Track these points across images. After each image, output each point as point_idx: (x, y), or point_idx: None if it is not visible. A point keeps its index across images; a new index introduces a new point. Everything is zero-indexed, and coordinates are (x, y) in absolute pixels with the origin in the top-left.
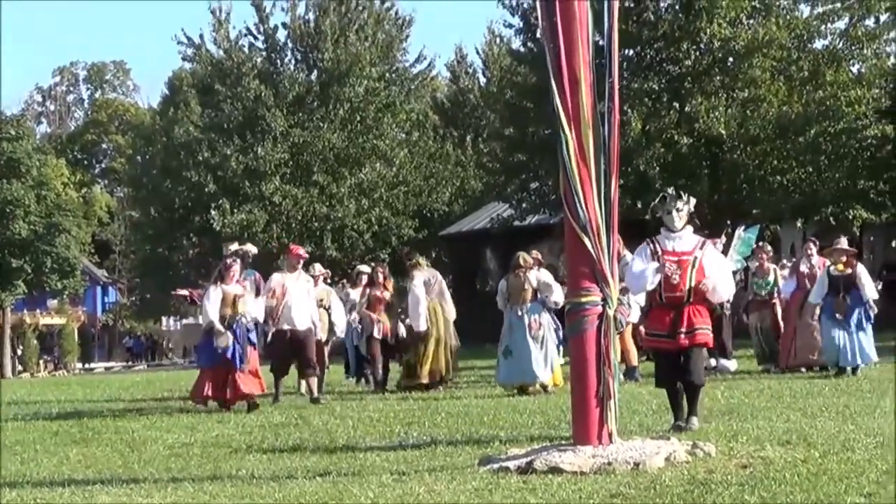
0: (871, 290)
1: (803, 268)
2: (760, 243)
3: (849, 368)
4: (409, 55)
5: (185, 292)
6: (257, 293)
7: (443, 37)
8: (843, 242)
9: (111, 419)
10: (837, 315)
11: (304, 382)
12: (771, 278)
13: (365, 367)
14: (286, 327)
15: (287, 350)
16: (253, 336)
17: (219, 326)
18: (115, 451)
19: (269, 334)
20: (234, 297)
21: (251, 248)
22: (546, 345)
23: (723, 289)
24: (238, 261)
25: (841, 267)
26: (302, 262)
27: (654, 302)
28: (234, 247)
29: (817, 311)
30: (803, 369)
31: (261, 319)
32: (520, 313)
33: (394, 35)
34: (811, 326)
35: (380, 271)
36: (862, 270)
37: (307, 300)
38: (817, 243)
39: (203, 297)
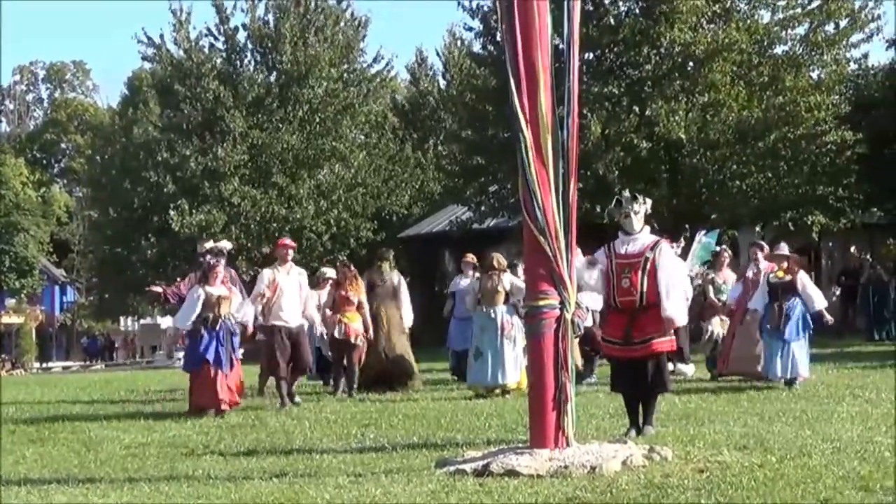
0: (818, 299)
1: (749, 273)
2: (723, 247)
3: (781, 382)
4: (366, 56)
5: (159, 289)
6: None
7: (403, 39)
8: (784, 248)
9: (68, 419)
10: (769, 325)
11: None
12: (731, 284)
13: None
14: (278, 324)
15: (283, 347)
16: (236, 341)
17: (174, 334)
18: (71, 450)
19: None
20: (217, 298)
21: (226, 245)
22: (517, 346)
23: (674, 298)
24: (222, 261)
25: (781, 273)
26: (291, 252)
27: (609, 306)
28: (209, 244)
29: (757, 317)
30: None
31: (250, 323)
32: (492, 315)
33: (351, 36)
34: (752, 335)
35: (346, 272)
36: (804, 279)
37: (299, 296)
38: (765, 247)
39: (187, 296)
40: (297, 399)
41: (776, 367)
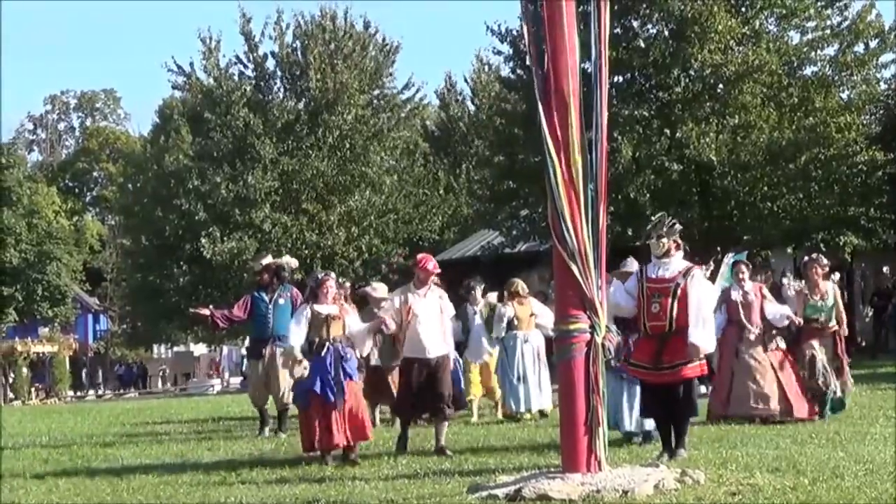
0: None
1: (735, 295)
2: (813, 255)
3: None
4: (396, 82)
5: (206, 311)
6: (294, 310)
7: (432, 64)
8: (631, 264)
9: (101, 447)
10: (615, 362)
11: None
12: (830, 300)
13: None
14: (414, 356)
15: (414, 385)
16: (351, 366)
17: (297, 354)
18: (104, 479)
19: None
20: (325, 317)
21: (290, 262)
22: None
23: (702, 326)
24: (332, 275)
25: None
26: (433, 279)
27: (639, 331)
28: (267, 260)
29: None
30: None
31: (364, 352)
32: (529, 339)
33: (380, 62)
34: (752, 369)
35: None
36: None
37: (440, 321)
38: (750, 266)
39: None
40: (448, 452)
41: (624, 419)
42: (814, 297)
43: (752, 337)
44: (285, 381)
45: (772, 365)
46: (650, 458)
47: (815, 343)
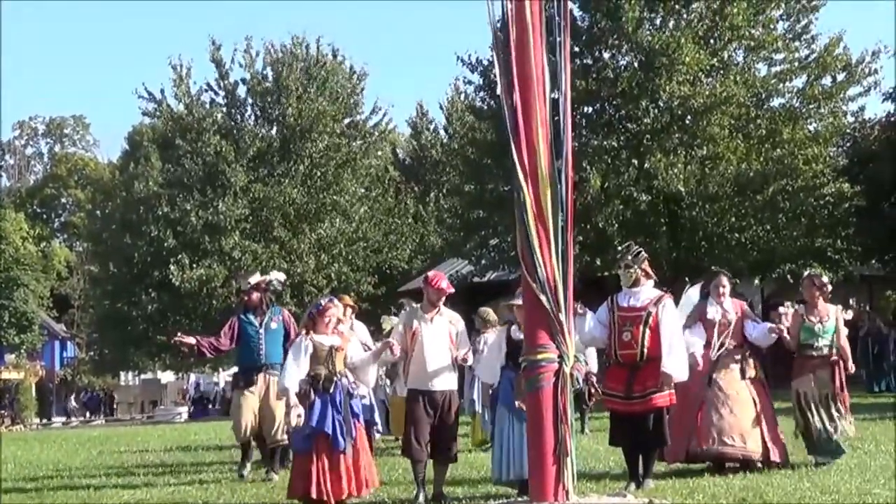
0: (591, 359)
1: (713, 314)
2: (812, 272)
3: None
4: (364, 109)
5: (191, 340)
6: (286, 335)
7: (406, 93)
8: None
9: (67, 475)
10: (516, 401)
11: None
12: (830, 324)
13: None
14: (418, 388)
15: (422, 420)
16: (358, 404)
17: (292, 397)
18: None
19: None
20: (329, 349)
21: (279, 276)
22: None
23: (675, 354)
24: (333, 300)
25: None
26: (444, 298)
27: (610, 360)
28: (256, 278)
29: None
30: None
31: (369, 385)
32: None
33: (349, 89)
34: (728, 399)
35: None
36: None
37: (448, 351)
38: (732, 279)
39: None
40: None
41: (510, 465)
42: (810, 319)
43: (728, 362)
44: (280, 416)
45: (753, 399)
46: (617, 487)
47: (810, 380)
